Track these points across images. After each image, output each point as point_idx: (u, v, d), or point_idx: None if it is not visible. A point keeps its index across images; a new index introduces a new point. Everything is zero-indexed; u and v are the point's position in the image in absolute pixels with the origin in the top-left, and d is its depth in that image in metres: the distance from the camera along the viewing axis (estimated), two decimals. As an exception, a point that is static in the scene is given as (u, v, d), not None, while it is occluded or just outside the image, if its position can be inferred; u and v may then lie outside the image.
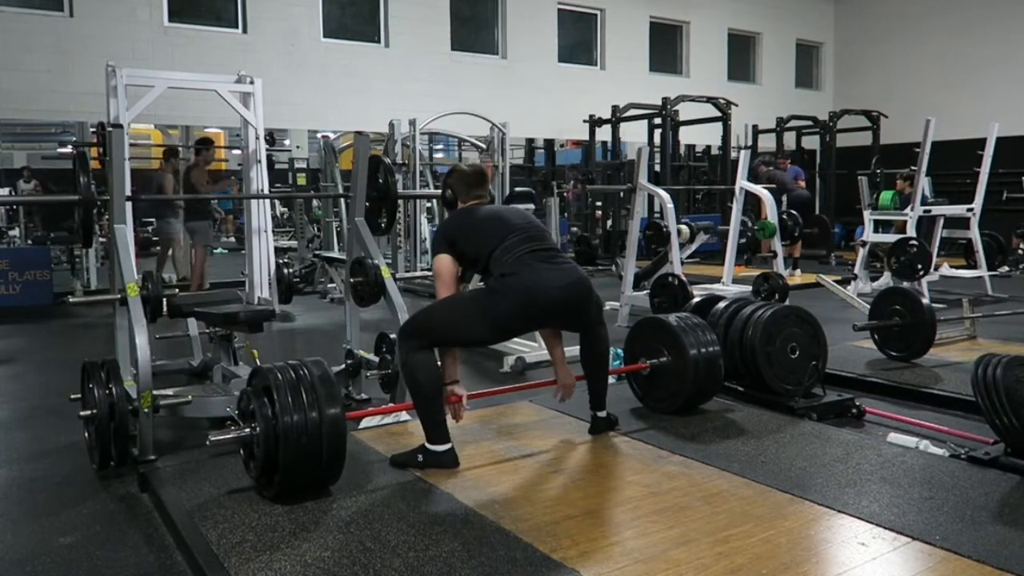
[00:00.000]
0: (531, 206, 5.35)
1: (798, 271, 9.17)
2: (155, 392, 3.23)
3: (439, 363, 3.04)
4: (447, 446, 2.98)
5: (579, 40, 13.41)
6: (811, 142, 13.58)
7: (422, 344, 2.96)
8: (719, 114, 11.87)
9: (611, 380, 4.41)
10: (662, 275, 6.33)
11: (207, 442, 2.67)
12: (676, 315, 3.82)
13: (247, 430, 2.68)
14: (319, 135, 12.75)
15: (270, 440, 2.60)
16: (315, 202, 10.34)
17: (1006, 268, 9.68)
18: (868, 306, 5.19)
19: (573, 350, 3.39)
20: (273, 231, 6.46)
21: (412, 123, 9.23)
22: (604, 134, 12.37)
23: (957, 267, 8.76)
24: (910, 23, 14.67)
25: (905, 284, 6.49)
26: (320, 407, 2.63)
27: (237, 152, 11.96)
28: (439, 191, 3.43)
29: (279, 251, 8.62)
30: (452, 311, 3.03)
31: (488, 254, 3.03)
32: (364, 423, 3.65)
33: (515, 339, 5.42)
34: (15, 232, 11.26)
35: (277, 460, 2.60)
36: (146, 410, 3.16)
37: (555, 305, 3.02)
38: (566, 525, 2.49)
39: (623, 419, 3.52)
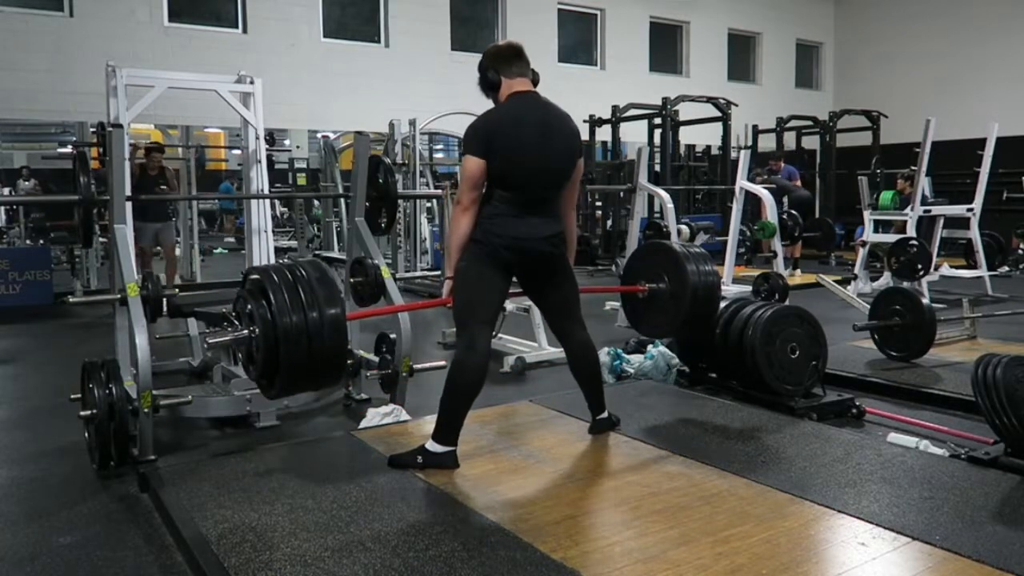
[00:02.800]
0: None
1: (798, 271, 9.17)
2: (155, 392, 3.23)
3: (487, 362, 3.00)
4: (451, 448, 2.97)
5: (579, 40, 13.41)
6: (811, 142, 13.58)
7: (475, 334, 2.93)
8: (719, 114, 11.87)
9: (611, 381, 4.43)
10: (662, 275, 6.32)
11: (204, 345, 2.64)
12: (680, 242, 3.78)
13: (245, 332, 2.64)
14: (319, 135, 12.76)
15: (270, 342, 2.55)
16: (315, 202, 10.34)
17: (1006, 268, 9.68)
18: (868, 306, 5.19)
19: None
20: (273, 231, 6.45)
21: (412, 123, 9.23)
22: (604, 134, 12.36)
23: (957, 267, 8.76)
24: (910, 23, 14.66)
25: (905, 284, 6.49)
26: (320, 307, 2.59)
27: (237, 152, 11.97)
28: (439, 191, 3.37)
29: (279, 251, 8.63)
30: (469, 284, 2.99)
31: (495, 182, 2.95)
32: (364, 423, 3.65)
33: (515, 339, 5.44)
34: (15, 232, 11.26)
35: (278, 362, 2.57)
36: (146, 410, 3.16)
37: (524, 253, 2.98)
38: (566, 525, 2.49)
39: (623, 419, 3.51)
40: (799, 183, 10.38)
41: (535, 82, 3.08)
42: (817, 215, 12.09)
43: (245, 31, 10.41)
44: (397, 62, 11.34)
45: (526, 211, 2.97)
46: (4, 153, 14.86)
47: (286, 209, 14.85)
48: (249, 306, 2.62)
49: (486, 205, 3.00)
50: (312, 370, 2.64)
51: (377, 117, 9.86)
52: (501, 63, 3.02)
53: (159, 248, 8.13)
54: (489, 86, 3.05)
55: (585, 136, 12.20)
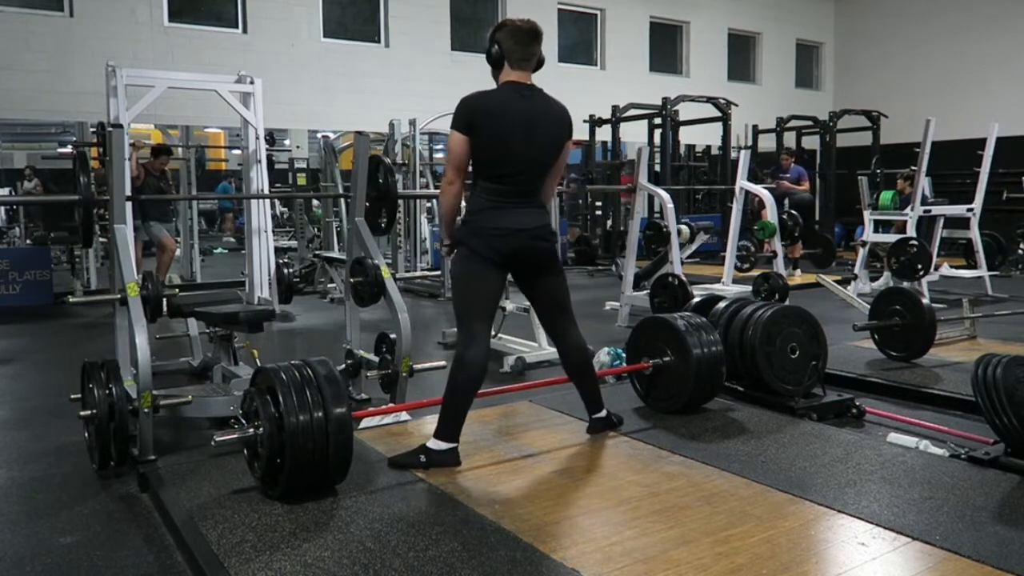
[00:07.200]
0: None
1: (798, 271, 9.17)
2: (155, 392, 3.23)
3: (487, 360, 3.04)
4: (453, 445, 2.99)
5: (579, 40, 13.41)
6: (811, 142, 13.57)
7: (474, 330, 2.97)
8: (719, 114, 11.86)
9: (611, 380, 4.43)
10: (662, 275, 6.33)
11: (212, 442, 2.67)
12: (680, 314, 3.82)
13: (251, 430, 2.68)
14: (319, 135, 12.75)
15: (275, 441, 2.60)
16: (315, 202, 10.34)
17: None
18: (868, 306, 5.19)
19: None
20: (273, 231, 6.45)
21: (412, 123, 9.23)
22: (604, 134, 12.36)
23: (957, 267, 8.76)
24: (910, 23, 14.67)
25: (905, 284, 6.49)
26: (326, 407, 2.62)
27: (237, 152, 11.97)
28: (439, 191, 3.35)
29: (279, 251, 8.61)
30: (464, 282, 3.06)
31: (481, 170, 3.01)
32: (365, 423, 3.65)
33: (515, 339, 5.44)
34: (15, 232, 11.27)
35: (282, 461, 2.60)
36: (146, 410, 3.16)
37: (515, 247, 3.01)
38: (566, 525, 2.49)
39: (623, 418, 3.51)
40: (807, 185, 10.32)
41: (540, 63, 3.12)
42: (817, 216, 12.11)
43: (245, 31, 10.41)
44: (397, 62, 11.34)
45: (511, 203, 3.00)
46: (4, 153, 14.86)
47: (286, 209, 14.85)
48: (256, 404, 2.67)
49: (471, 199, 3.06)
50: (316, 469, 2.65)
51: (377, 117, 9.86)
52: (512, 45, 3.02)
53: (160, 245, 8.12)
54: (492, 62, 3.10)
55: (585, 136, 12.21)
